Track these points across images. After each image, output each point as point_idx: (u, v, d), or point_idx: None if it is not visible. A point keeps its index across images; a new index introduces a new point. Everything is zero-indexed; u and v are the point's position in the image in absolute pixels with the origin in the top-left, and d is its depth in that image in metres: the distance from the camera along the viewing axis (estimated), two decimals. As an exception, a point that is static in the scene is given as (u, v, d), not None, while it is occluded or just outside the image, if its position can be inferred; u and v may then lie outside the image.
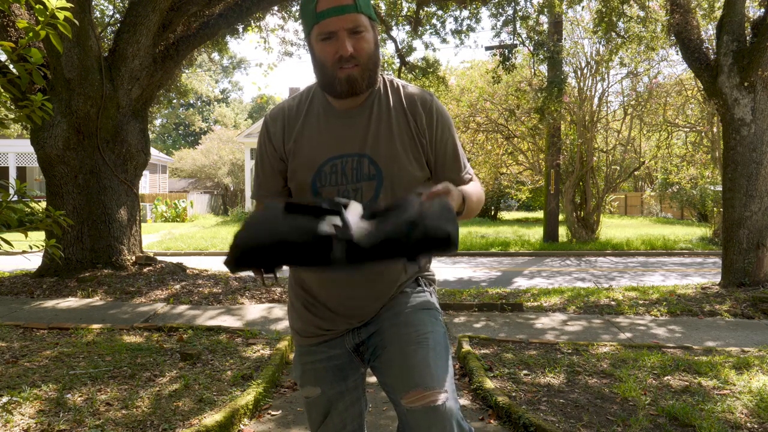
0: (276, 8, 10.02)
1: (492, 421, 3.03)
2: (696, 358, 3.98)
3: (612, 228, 17.24)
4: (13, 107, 4.12)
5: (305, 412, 1.67)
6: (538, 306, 5.98)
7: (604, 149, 14.07)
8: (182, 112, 47.90)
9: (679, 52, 7.04)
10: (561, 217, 13.91)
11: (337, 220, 1.23)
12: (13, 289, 6.43)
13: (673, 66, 22.68)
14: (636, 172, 16.73)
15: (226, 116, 48.74)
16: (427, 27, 10.84)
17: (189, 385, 3.32)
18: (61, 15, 2.21)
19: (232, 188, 29.65)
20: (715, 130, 13.00)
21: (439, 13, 10.59)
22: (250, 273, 1.35)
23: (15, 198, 2.62)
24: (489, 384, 3.35)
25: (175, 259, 8.46)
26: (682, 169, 15.85)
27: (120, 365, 3.67)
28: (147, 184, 26.05)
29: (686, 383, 3.42)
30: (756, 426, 2.81)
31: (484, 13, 19.97)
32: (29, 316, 5.32)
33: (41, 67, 6.72)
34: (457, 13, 10.36)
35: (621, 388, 3.29)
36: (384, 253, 1.22)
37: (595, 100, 13.60)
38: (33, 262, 8.24)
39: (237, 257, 1.27)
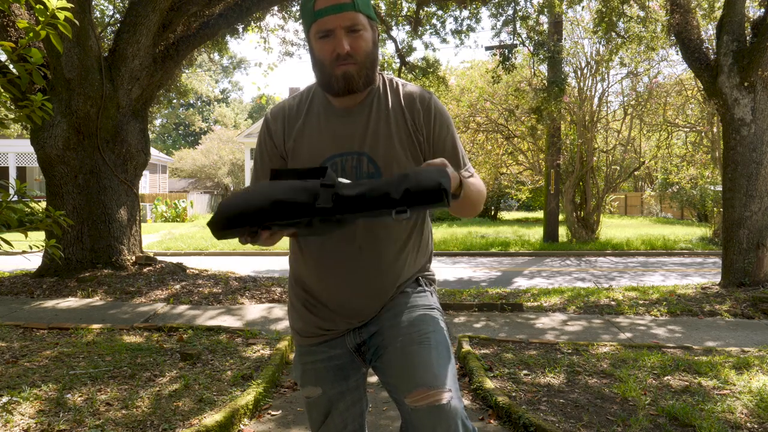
0: (276, 8, 10.02)
1: (492, 421, 3.03)
2: (696, 358, 3.98)
3: (612, 228, 17.24)
4: (13, 107, 4.12)
5: (306, 413, 1.67)
6: (538, 306, 5.98)
7: (604, 149, 14.07)
8: (182, 112, 47.92)
9: (679, 52, 7.04)
10: (561, 217, 13.91)
11: (326, 180, 1.25)
12: (13, 289, 6.43)
13: (673, 66, 22.71)
14: (636, 172, 16.74)
15: (226, 116, 48.78)
16: (427, 27, 10.84)
17: (189, 385, 3.32)
18: (61, 15, 2.21)
19: (232, 188, 29.67)
20: (715, 130, 13.01)
21: (439, 13, 10.59)
22: (236, 239, 1.32)
23: (15, 198, 2.62)
24: (489, 384, 3.35)
25: (175, 259, 8.46)
26: (682, 169, 15.85)
27: (120, 365, 3.67)
28: (147, 184, 26.05)
29: (686, 383, 3.42)
30: (756, 426, 2.81)
31: (484, 13, 19.98)
32: (29, 316, 5.32)
33: (41, 67, 6.72)
34: (457, 13, 10.36)
35: (621, 388, 3.29)
36: (372, 203, 1.21)
37: (595, 100, 13.62)
38: (33, 262, 8.24)
39: (224, 215, 1.26)
